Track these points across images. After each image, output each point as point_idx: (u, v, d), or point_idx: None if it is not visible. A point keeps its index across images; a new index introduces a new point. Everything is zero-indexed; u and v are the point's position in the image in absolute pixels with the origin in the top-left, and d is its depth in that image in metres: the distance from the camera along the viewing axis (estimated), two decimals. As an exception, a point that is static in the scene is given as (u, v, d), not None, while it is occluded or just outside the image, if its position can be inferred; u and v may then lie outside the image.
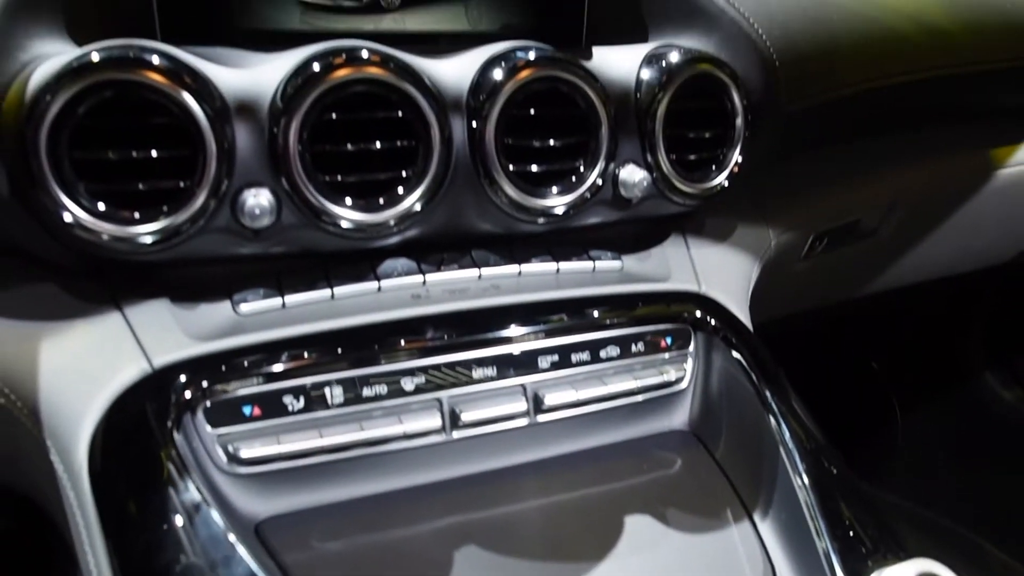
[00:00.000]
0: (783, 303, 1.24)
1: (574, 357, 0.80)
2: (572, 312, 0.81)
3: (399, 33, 0.79)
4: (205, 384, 0.68)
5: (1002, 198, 1.33)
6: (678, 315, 0.86)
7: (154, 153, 0.65)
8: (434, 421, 0.74)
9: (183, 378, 0.68)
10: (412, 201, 0.73)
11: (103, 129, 0.64)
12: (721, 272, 0.95)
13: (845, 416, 1.95)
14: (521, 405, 0.77)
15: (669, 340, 0.85)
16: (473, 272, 0.81)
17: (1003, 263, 1.51)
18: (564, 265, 0.85)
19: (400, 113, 0.72)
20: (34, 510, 0.77)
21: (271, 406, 0.70)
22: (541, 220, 0.80)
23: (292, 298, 0.75)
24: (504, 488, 0.77)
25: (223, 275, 0.76)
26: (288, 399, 0.70)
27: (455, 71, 0.76)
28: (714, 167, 0.88)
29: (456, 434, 0.75)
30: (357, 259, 0.78)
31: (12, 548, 1.19)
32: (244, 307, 0.74)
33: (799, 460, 0.77)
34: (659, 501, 0.78)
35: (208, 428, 0.68)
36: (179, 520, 0.62)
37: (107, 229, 0.65)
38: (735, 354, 0.84)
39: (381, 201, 0.73)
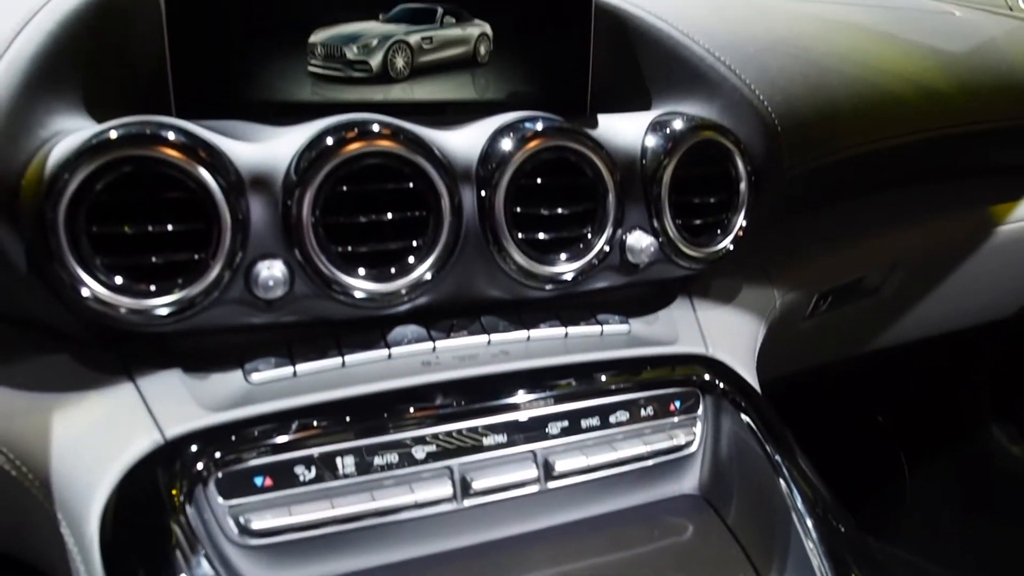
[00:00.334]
0: (789, 361, 1.24)
1: (584, 422, 0.80)
2: (581, 377, 0.82)
3: (408, 103, 0.81)
4: (217, 455, 0.68)
5: (1003, 255, 1.34)
6: (687, 378, 0.86)
7: (170, 227, 0.66)
8: (445, 490, 0.74)
9: (195, 449, 0.68)
10: (423, 270, 0.74)
11: (119, 203, 0.65)
12: (728, 334, 0.95)
13: (851, 470, 1.94)
14: (532, 472, 0.77)
15: (678, 404, 0.85)
16: (482, 338, 0.81)
17: (1006, 317, 1.52)
18: (572, 330, 0.85)
19: (411, 184, 0.73)
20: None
21: (283, 476, 0.70)
22: (549, 287, 0.81)
23: (303, 367, 0.75)
24: (515, 557, 0.77)
25: (235, 344, 0.76)
26: (299, 469, 0.70)
27: (464, 141, 0.78)
28: (719, 231, 0.89)
29: (467, 502, 0.75)
30: (367, 327, 0.79)
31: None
32: (255, 376, 0.74)
33: (811, 526, 0.77)
34: (672, 569, 0.77)
35: (220, 499, 0.68)
36: None
37: (124, 303, 0.65)
38: (744, 417, 0.84)
39: (392, 271, 0.74)
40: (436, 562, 0.75)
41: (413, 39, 0.80)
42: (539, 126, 0.78)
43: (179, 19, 0.71)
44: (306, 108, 0.76)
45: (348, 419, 0.72)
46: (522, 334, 0.83)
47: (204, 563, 0.64)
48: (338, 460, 0.71)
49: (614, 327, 0.87)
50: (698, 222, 0.88)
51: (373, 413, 0.73)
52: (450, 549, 0.76)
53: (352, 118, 0.72)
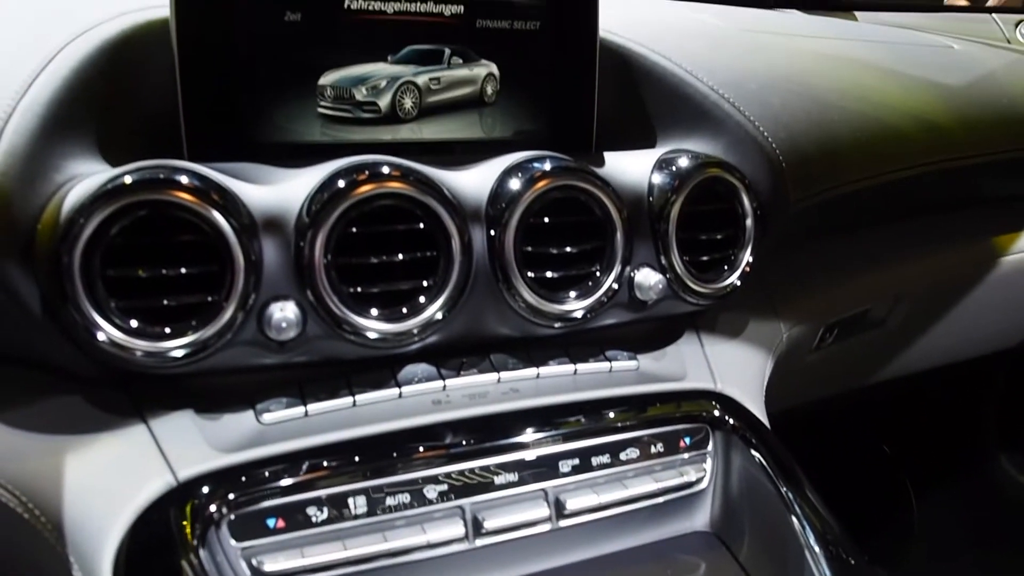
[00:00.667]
0: (796, 394, 1.24)
1: (594, 460, 0.80)
2: (591, 414, 0.82)
3: (416, 142, 0.82)
4: (230, 497, 0.68)
5: (1006, 285, 1.34)
6: (696, 414, 0.86)
7: (183, 269, 0.66)
8: (457, 530, 0.73)
9: (207, 490, 0.68)
10: (434, 310, 0.75)
11: (133, 247, 0.65)
12: (736, 368, 0.95)
13: (859, 501, 1.93)
14: (543, 511, 0.77)
15: (688, 440, 0.85)
16: (492, 376, 0.82)
17: (1011, 347, 1.52)
18: (581, 367, 0.85)
19: (422, 225, 0.74)
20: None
21: (295, 518, 0.69)
22: (559, 324, 0.82)
23: (314, 407, 0.75)
24: None
25: (246, 384, 0.76)
26: (312, 510, 0.70)
27: (473, 182, 0.79)
28: (726, 267, 0.90)
29: (479, 542, 0.75)
30: (378, 366, 0.79)
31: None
32: (267, 416, 0.74)
33: (824, 562, 0.76)
34: None
35: (232, 542, 0.68)
36: None
37: (139, 346, 0.66)
38: (754, 453, 0.84)
39: (404, 310, 0.74)
40: None
41: (421, 80, 0.81)
42: (547, 166, 0.78)
43: (191, 64, 0.72)
44: (316, 149, 0.77)
45: (359, 459, 0.72)
46: (532, 372, 0.83)
47: None
48: (350, 501, 0.71)
49: (623, 363, 0.88)
50: (705, 258, 0.89)
51: (384, 453, 0.73)
52: None
53: (363, 160, 0.73)
